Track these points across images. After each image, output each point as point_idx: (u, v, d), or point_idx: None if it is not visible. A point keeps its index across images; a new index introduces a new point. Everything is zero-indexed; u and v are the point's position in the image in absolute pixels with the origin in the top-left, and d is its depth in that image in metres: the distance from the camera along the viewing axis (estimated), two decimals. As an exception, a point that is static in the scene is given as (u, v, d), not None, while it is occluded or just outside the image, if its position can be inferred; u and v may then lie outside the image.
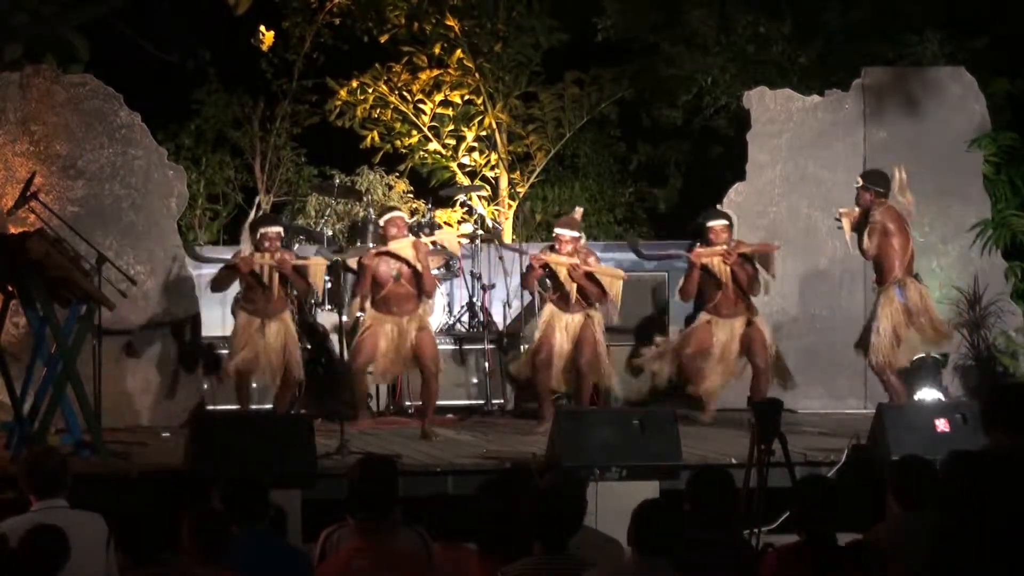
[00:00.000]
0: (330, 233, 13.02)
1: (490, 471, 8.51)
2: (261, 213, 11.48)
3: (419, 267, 10.62)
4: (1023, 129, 12.90)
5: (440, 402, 11.12)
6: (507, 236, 14.87)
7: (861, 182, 10.53)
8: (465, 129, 15.32)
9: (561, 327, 10.78)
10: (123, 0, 13.51)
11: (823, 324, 12.32)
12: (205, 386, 11.58)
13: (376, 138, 15.35)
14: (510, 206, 15.25)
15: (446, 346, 11.76)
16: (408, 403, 11.87)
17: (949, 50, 13.55)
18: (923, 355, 11.62)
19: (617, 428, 8.85)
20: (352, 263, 11.85)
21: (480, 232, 12.82)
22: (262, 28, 15.37)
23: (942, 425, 9.13)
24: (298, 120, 15.82)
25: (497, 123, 15.26)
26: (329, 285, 12.12)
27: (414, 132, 15.35)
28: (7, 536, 5.57)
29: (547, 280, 10.89)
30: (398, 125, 15.38)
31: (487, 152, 15.39)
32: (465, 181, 15.20)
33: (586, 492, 6.37)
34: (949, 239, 12.53)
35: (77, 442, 9.35)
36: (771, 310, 11.75)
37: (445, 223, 14.10)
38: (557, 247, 10.76)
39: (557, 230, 10.90)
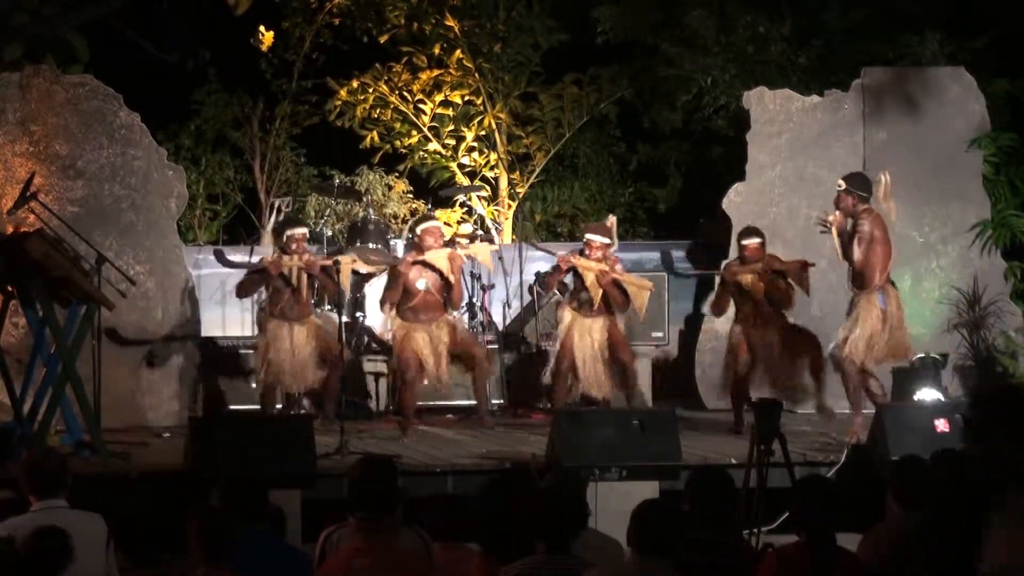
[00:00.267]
0: (329, 233, 13.02)
1: (490, 471, 8.51)
2: (284, 216, 11.50)
3: (451, 279, 10.59)
4: (1023, 129, 12.90)
5: (440, 402, 11.12)
6: (507, 236, 14.87)
7: (844, 185, 10.29)
8: (465, 129, 15.32)
9: (584, 332, 10.73)
10: (123, 0, 13.51)
11: (822, 325, 12.30)
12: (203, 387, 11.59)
13: (376, 138, 15.34)
14: (510, 206, 15.24)
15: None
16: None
17: (949, 50, 13.55)
18: (923, 355, 11.62)
19: (617, 428, 8.85)
20: (356, 265, 11.86)
21: (480, 232, 12.82)
22: (262, 28, 15.38)
23: (942, 425, 9.14)
24: (298, 120, 15.82)
25: (497, 123, 15.26)
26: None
27: (414, 132, 15.35)
28: (13, 538, 5.57)
29: (565, 283, 10.85)
30: (398, 125, 15.37)
31: (487, 152, 15.39)
32: (465, 181, 15.20)
33: (586, 492, 6.38)
34: (949, 239, 12.53)
35: (77, 442, 9.36)
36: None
37: (459, 235, 14.04)
38: (587, 252, 10.71)
39: (588, 235, 10.84)
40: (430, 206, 13.49)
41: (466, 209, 14.90)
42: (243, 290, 10.86)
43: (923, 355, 11.70)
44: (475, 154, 15.39)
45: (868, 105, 12.54)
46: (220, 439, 8.47)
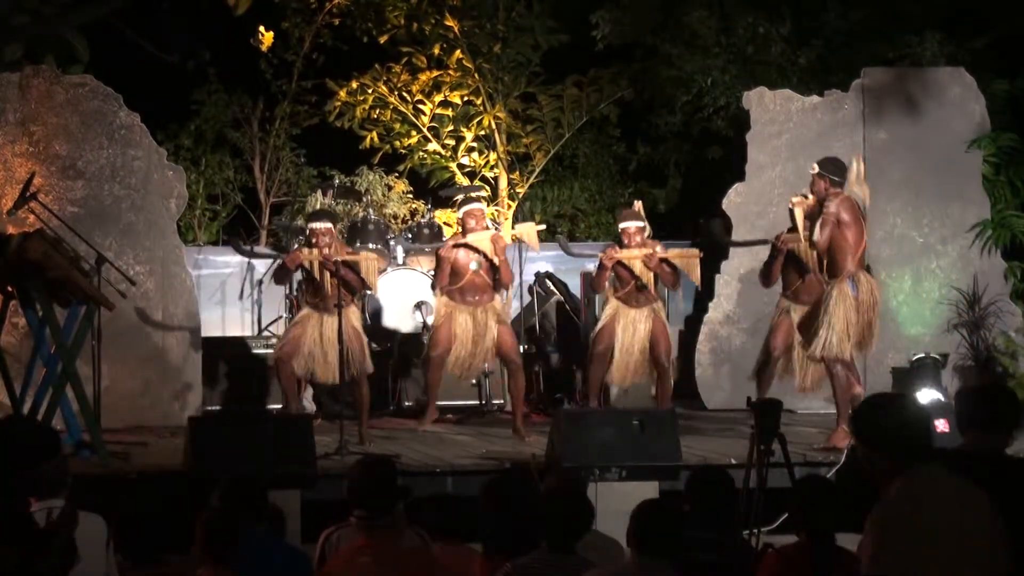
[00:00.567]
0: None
1: (490, 471, 8.51)
2: (315, 209, 11.41)
3: (496, 261, 10.54)
4: (1023, 130, 12.90)
5: (439, 402, 11.10)
6: (506, 236, 14.85)
7: (817, 168, 10.00)
8: (464, 129, 15.32)
9: (628, 322, 10.70)
10: (123, 1, 13.51)
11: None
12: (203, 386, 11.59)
13: (375, 139, 15.34)
14: (509, 206, 15.25)
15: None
16: (408, 403, 11.89)
17: (949, 51, 13.56)
18: (923, 355, 11.62)
19: (617, 428, 8.84)
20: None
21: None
22: (262, 29, 15.39)
23: (942, 425, 9.13)
24: (297, 121, 15.84)
25: (496, 123, 15.26)
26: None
27: (413, 132, 15.35)
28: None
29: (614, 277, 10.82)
30: (397, 126, 15.37)
31: (486, 152, 15.39)
32: (464, 181, 15.20)
33: (586, 492, 6.38)
34: (949, 240, 12.54)
35: (77, 443, 9.36)
36: (771, 310, 11.73)
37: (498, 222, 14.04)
38: (626, 241, 10.67)
39: (622, 224, 10.77)
40: (429, 206, 13.49)
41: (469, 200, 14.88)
42: (277, 278, 10.82)
43: (923, 355, 11.70)
44: (475, 154, 15.40)
45: (868, 105, 12.55)
46: (220, 439, 8.46)
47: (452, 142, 15.38)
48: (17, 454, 5.32)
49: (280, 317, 12.49)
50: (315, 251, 10.33)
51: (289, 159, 15.77)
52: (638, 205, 10.97)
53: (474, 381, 11.72)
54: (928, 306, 12.45)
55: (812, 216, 9.94)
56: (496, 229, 10.96)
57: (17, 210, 10.55)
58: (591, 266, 12.47)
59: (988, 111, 12.63)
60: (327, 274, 10.28)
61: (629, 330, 10.69)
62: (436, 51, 15.17)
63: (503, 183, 15.38)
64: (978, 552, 3.15)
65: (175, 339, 11.62)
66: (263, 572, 5.75)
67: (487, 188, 15.22)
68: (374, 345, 11.95)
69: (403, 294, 12.42)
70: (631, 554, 5.36)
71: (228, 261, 13.49)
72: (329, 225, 10.45)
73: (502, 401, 11.94)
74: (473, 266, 10.54)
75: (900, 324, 12.43)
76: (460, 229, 10.86)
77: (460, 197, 11.84)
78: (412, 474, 8.79)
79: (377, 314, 12.27)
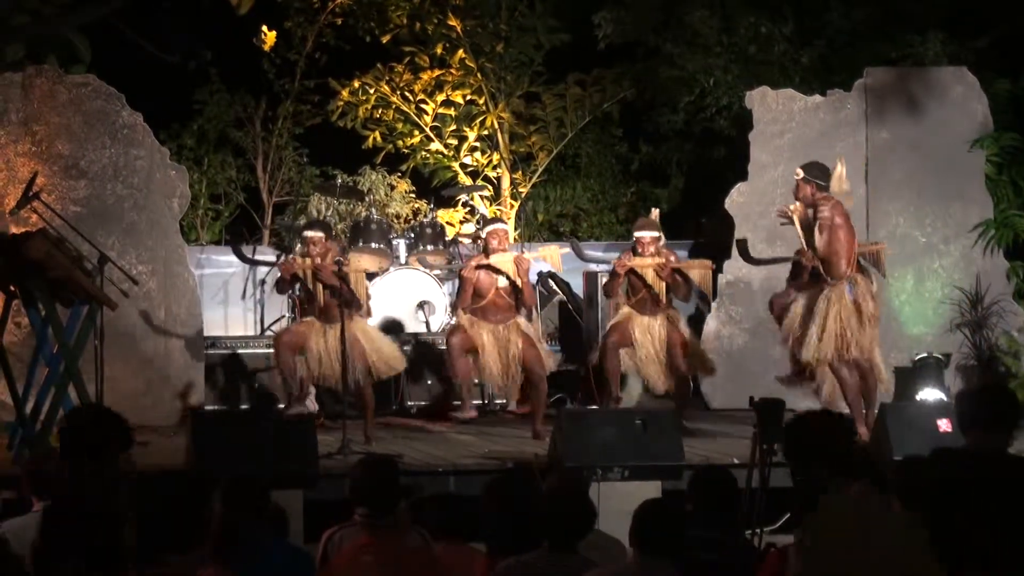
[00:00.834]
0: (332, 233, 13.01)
1: (492, 471, 8.50)
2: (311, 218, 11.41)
3: (519, 283, 10.50)
4: (1025, 129, 12.91)
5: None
6: (509, 236, 14.84)
7: (801, 174, 10.05)
8: (467, 129, 15.32)
9: (643, 328, 10.67)
10: (124, 0, 13.52)
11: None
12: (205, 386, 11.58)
13: (378, 138, 15.34)
14: (512, 206, 15.25)
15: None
16: (411, 403, 11.89)
17: (951, 50, 13.55)
18: (925, 355, 11.63)
19: (619, 428, 8.84)
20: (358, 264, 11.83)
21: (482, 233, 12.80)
22: (264, 28, 15.38)
23: (944, 425, 9.12)
24: (300, 120, 15.83)
25: (499, 123, 15.26)
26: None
27: (416, 132, 15.35)
28: (7, 539, 5.55)
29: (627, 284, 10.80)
30: (400, 125, 15.37)
31: (489, 152, 15.38)
32: (467, 181, 15.20)
33: (588, 492, 6.37)
34: (951, 239, 12.53)
35: (79, 442, 9.34)
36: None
37: (462, 234, 14.03)
38: (640, 250, 10.63)
39: (637, 233, 10.72)
40: (432, 206, 13.49)
41: (468, 209, 14.90)
42: (278, 288, 10.78)
43: (925, 355, 11.71)
44: (477, 154, 15.39)
45: (870, 105, 12.54)
46: (222, 439, 8.45)
47: (455, 142, 15.38)
48: (97, 444, 5.34)
49: (283, 317, 12.49)
50: (308, 260, 10.31)
51: (292, 159, 15.77)
52: (655, 214, 10.91)
53: (477, 381, 11.71)
54: (931, 306, 12.44)
55: (805, 223, 9.94)
56: (521, 251, 10.90)
57: (20, 210, 10.57)
58: (594, 267, 12.47)
59: (990, 111, 12.62)
60: (320, 284, 10.26)
61: (647, 337, 10.66)
62: (439, 51, 15.17)
63: (506, 183, 15.37)
64: (901, 566, 3.18)
65: (177, 339, 11.63)
66: (265, 572, 5.75)
67: (489, 188, 15.22)
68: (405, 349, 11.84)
69: (406, 294, 12.42)
70: (633, 554, 5.35)
71: (231, 261, 13.49)
72: (322, 234, 10.44)
73: (504, 401, 11.94)
74: (502, 282, 10.49)
75: (903, 324, 12.43)
76: (483, 250, 10.79)
77: (479, 217, 11.83)
78: (414, 474, 8.79)
79: (379, 313, 12.25)
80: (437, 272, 12.57)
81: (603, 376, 10.79)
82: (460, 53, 15.11)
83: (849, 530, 3.11)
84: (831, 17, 14.50)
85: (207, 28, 15.40)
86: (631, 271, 10.61)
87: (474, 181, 15.21)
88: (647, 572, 5.26)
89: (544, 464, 8.62)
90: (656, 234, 10.67)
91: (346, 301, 10.08)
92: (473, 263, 10.65)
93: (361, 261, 12.00)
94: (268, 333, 12.52)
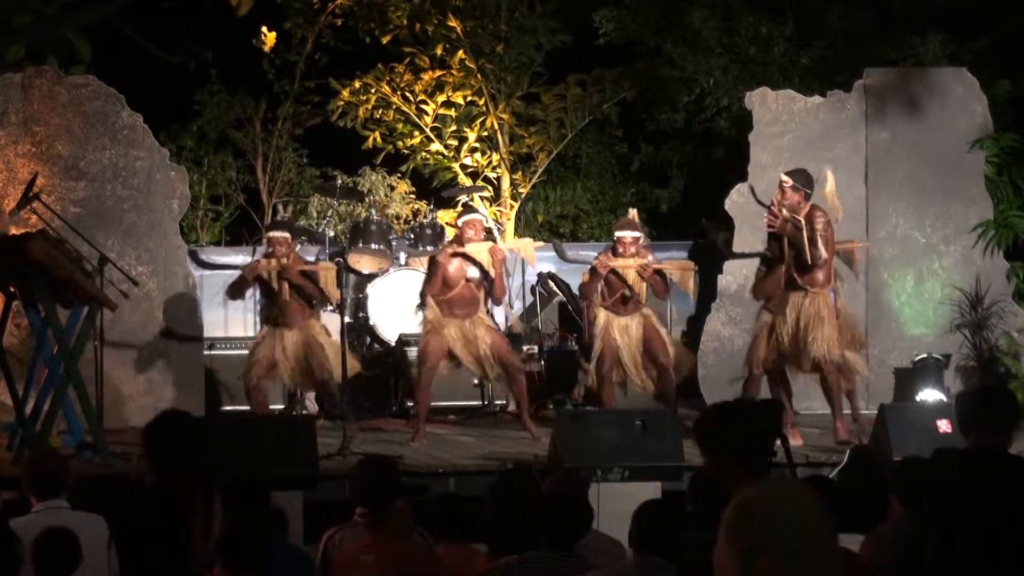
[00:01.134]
0: (332, 234, 13.03)
1: (492, 472, 8.51)
2: (275, 218, 11.46)
3: (492, 273, 10.42)
4: (1025, 130, 12.91)
5: (440, 403, 11.11)
6: (509, 237, 14.86)
7: (790, 181, 9.98)
8: (467, 130, 15.31)
9: (621, 330, 10.65)
10: (125, 1, 13.52)
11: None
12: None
13: (378, 139, 15.34)
14: (512, 207, 15.24)
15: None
16: (410, 404, 11.88)
17: (951, 51, 13.55)
18: (925, 356, 11.62)
19: (619, 429, 8.85)
20: (358, 265, 11.86)
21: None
22: (264, 29, 15.39)
23: (944, 426, 9.13)
24: (300, 121, 15.83)
25: (499, 124, 15.26)
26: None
27: (416, 133, 15.34)
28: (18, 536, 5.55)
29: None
30: (400, 126, 15.37)
31: (489, 153, 15.38)
32: (467, 182, 15.20)
33: (587, 493, 6.37)
34: (951, 240, 12.53)
35: (79, 443, 9.36)
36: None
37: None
38: (620, 250, 10.60)
39: (618, 233, 10.71)
40: (432, 207, 13.49)
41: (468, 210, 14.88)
42: (232, 291, 10.76)
43: (925, 356, 11.71)
44: (477, 155, 15.39)
45: (870, 106, 12.54)
46: (222, 440, 8.46)
47: (455, 142, 15.38)
48: (187, 446, 5.35)
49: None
50: (273, 261, 10.32)
51: (292, 159, 15.77)
52: (633, 214, 10.93)
53: (476, 381, 11.71)
54: (931, 306, 12.44)
55: (791, 235, 9.87)
56: (493, 240, 10.84)
57: (20, 210, 10.57)
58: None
59: (990, 111, 12.62)
60: (285, 284, 10.28)
61: (625, 337, 10.65)
62: (439, 51, 15.17)
63: (505, 183, 15.37)
64: (819, 563, 3.18)
65: (177, 340, 11.62)
66: (266, 573, 5.75)
67: (489, 189, 15.22)
68: (377, 347, 11.96)
69: (405, 295, 12.41)
70: (632, 554, 5.36)
71: (231, 262, 13.48)
72: (287, 235, 10.46)
73: (504, 401, 11.94)
74: (472, 273, 10.42)
75: (902, 324, 12.43)
76: (457, 238, 10.77)
77: (461, 205, 11.83)
78: (415, 475, 8.79)
79: (379, 314, 12.26)
80: (421, 270, 12.56)
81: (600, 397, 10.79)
82: (460, 54, 15.11)
83: (769, 523, 3.10)
84: (831, 18, 14.50)
85: (207, 29, 15.40)
86: (612, 271, 10.60)
87: (474, 182, 15.20)
88: (646, 573, 5.26)
89: (543, 465, 8.62)
90: (637, 234, 10.66)
91: (310, 301, 10.17)
92: (448, 250, 10.58)
93: (361, 262, 12.07)
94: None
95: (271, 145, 15.64)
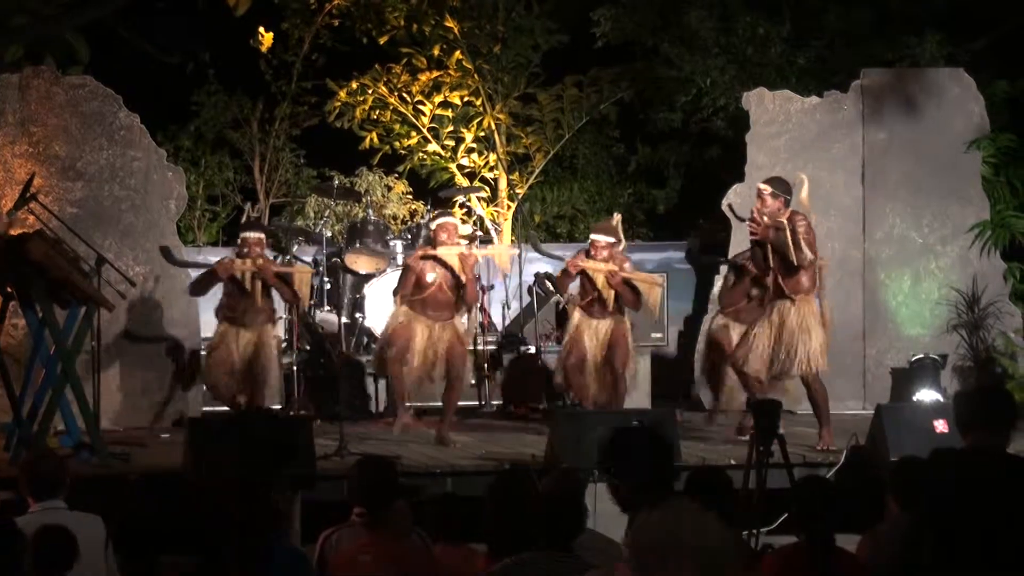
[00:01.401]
0: (329, 234, 13.04)
1: (489, 472, 8.51)
2: (248, 217, 11.43)
3: (462, 278, 10.34)
4: (1022, 130, 12.91)
5: (438, 403, 11.10)
6: (506, 237, 14.87)
7: (769, 188, 9.83)
8: (464, 130, 15.33)
9: (591, 333, 10.60)
10: (123, 1, 13.53)
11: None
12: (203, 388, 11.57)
13: (375, 139, 15.35)
14: (509, 207, 15.25)
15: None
16: (408, 404, 11.88)
17: (948, 51, 13.57)
18: (922, 356, 11.64)
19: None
20: (355, 266, 11.86)
21: (479, 233, 12.82)
22: (261, 29, 15.40)
23: (941, 426, 9.14)
24: (297, 121, 15.84)
25: (496, 124, 15.27)
26: (328, 286, 12.14)
27: (413, 133, 15.35)
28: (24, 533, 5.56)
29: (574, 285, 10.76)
30: (397, 126, 15.38)
31: (486, 153, 15.39)
32: (464, 182, 15.21)
33: (583, 493, 6.38)
34: (948, 240, 12.54)
35: (76, 444, 9.35)
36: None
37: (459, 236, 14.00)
38: (592, 252, 10.50)
39: (593, 235, 10.63)
40: (429, 207, 13.50)
41: (465, 210, 14.90)
42: (196, 288, 10.73)
43: (922, 356, 11.73)
44: (474, 155, 15.40)
45: (867, 106, 12.55)
46: (219, 440, 8.46)
47: (452, 143, 15.39)
48: (265, 454, 5.36)
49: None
50: (248, 261, 10.31)
51: (289, 160, 15.78)
52: (616, 219, 10.77)
53: (473, 382, 11.71)
54: (927, 307, 12.45)
55: (775, 240, 9.82)
56: (470, 248, 10.76)
57: (17, 211, 10.57)
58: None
59: (987, 112, 12.64)
60: (258, 285, 10.27)
61: (595, 340, 10.59)
62: (436, 52, 15.18)
63: (503, 184, 15.38)
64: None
65: (174, 340, 11.62)
66: (263, 573, 5.75)
67: (486, 189, 15.23)
68: (374, 346, 11.93)
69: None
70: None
71: (174, 260, 13.43)
72: (261, 235, 10.44)
73: (501, 401, 11.94)
74: (430, 277, 10.36)
75: (899, 325, 12.44)
76: (429, 241, 10.74)
77: (438, 209, 11.82)
78: (412, 475, 8.79)
79: (376, 315, 12.26)
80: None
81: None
82: (457, 54, 15.12)
83: (670, 543, 3.15)
84: (828, 18, 14.52)
85: (204, 29, 15.41)
86: (583, 272, 10.56)
87: (471, 182, 15.21)
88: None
89: (540, 465, 8.62)
90: (611, 239, 10.51)
91: (289, 301, 10.18)
92: (419, 253, 10.53)
93: (358, 262, 12.07)
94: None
95: (268, 145, 15.65)
